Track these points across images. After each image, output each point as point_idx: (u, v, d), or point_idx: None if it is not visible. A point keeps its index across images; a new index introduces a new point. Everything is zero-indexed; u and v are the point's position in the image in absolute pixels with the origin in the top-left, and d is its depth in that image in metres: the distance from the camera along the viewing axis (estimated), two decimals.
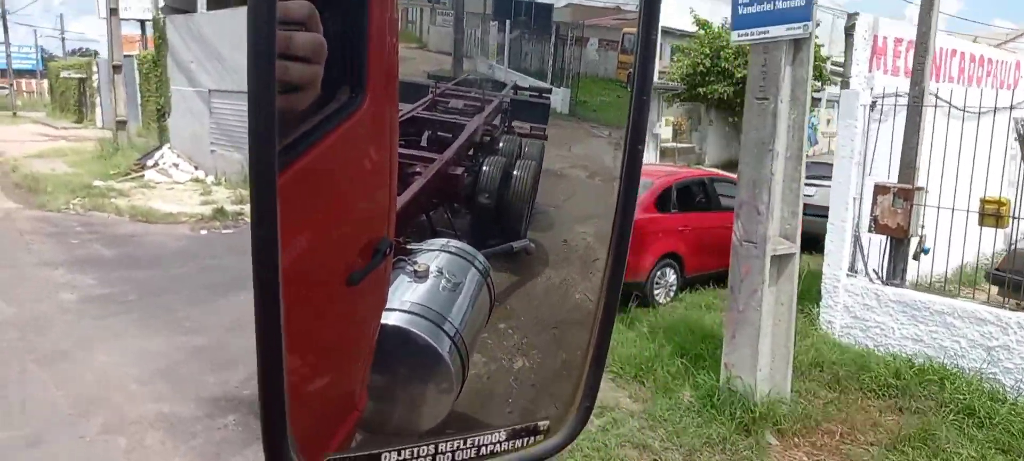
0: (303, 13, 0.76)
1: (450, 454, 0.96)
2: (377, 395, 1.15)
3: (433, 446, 0.95)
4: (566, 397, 1.11)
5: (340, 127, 0.90)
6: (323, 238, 0.91)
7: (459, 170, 1.74)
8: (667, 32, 24.86)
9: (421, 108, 1.70)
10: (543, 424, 1.04)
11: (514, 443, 1.01)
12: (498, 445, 1.00)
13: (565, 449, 1.03)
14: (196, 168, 16.87)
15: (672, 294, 8.58)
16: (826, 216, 11.14)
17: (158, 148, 17.48)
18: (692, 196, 8.94)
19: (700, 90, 23.48)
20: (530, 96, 1.88)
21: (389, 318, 1.22)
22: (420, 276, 1.36)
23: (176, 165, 17.07)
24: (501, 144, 1.91)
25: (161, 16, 17.34)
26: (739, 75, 22.66)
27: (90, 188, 14.53)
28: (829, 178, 11.42)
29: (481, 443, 0.99)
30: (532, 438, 1.03)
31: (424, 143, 1.74)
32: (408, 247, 1.42)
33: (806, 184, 11.50)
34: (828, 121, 31.20)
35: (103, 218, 12.52)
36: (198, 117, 17.20)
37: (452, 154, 1.74)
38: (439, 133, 1.75)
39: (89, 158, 18.55)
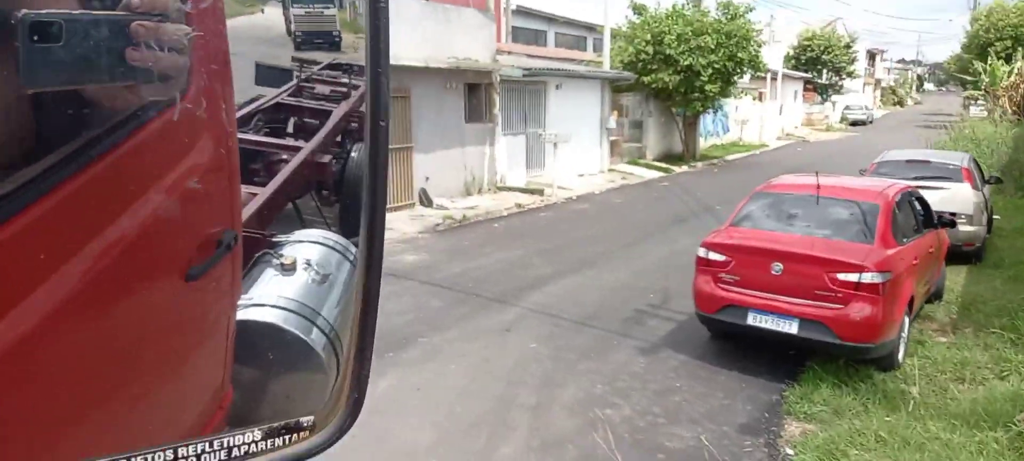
0: (165, 4, 0.76)
1: (196, 458, 0.82)
2: (250, 391, 1.15)
3: (173, 451, 0.80)
4: (333, 389, 1.05)
5: (159, 116, 0.85)
6: (148, 234, 0.86)
7: (327, 158, 1.75)
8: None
9: (286, 94, 1.77)
10: (306, 420, 0.93)
11: (272, 442, 0.89)
12: (253, 446, 0.87)
13: (332, 446, 0.92)
14: None
15: (904, 350, 6.63)
16: (953, 224, 9.72)
17: None
18: (906, 216, 7.03)
19: (643, 79, 22.00)
20: None
21: (259, 314, 1.24)
22: (287, 269, 1.35)
23: None
24: None
25: None
26: (684, 63, 21.47)
27: None
28: (943, 178, 10.09)
29: (232, 444, 0.86)
30: (294, 436, 0.91)
31: (290, 130, 1.81)
32: (273, 239, 1.44)
33: (924, 187, 10.12)
34: (736, 107, 31.15)
35: None
36: None
37: (319, 142, 1.77)
38: (306, 120, 1.83)
39: None
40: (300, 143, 1.79)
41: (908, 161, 10.55)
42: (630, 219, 13.94)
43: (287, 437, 0.91)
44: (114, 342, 0.82)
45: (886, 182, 7.52)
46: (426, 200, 14.38)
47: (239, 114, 1.29)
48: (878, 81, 73.69)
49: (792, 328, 6.10)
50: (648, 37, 21.84)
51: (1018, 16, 38.96)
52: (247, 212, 1.48)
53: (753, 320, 6.28)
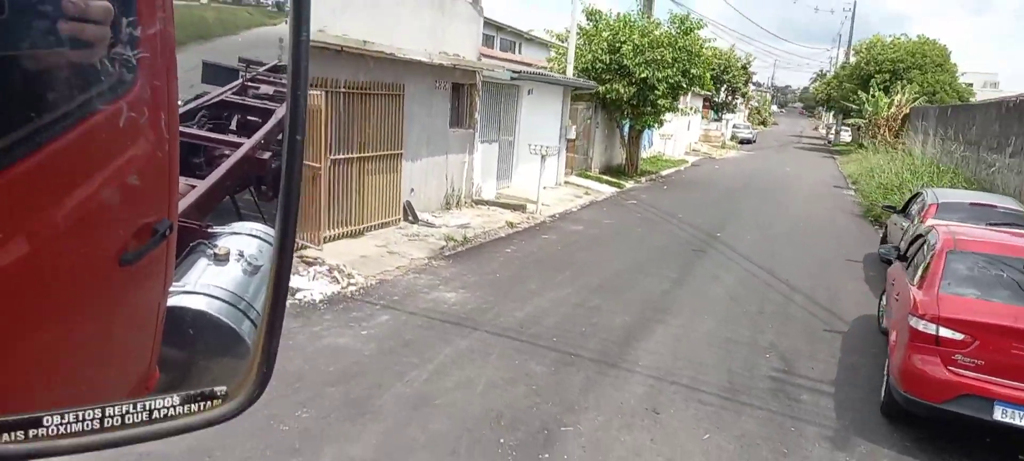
0: None
1: (120, 417, 0.88)
2: (176, 372, 1.18)
3: (100, 409, 0.87)
4: (244, 363, 1.13)
5: (106, 108, 0.90)
6: (88, 219, 0.91)
7: (267, 155, 1.78)
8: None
9: (230, 92, 1.83)
10: (220, 389, 0.98)
11: (189, 407, 0.95)
12: (172, 409, 0.93)
13: (241, 414, 0.97)
14: None
15: None
16: None
17: None
18: None
19: (599, 89, 20.95)
20: None
21: (190, 301, 1.29)
22: (220, 259, 1.41)
23: None
24: None
25: None
26: (640, 75, 20.64)
27: None
28: (1019, 226, 9.60)
29: (153, 407, 0.91)
30: (208, 403, 0.97)
31: (233, 127, 1.86)
32: (209, 230, 1.51)
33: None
34: (661, 123, 30.91)
35: None
36: None
37: (259, 138, 1.80)
38: (249, 118, 1.87)
39: None
40: (241, 139, 1.78)
41: (971, 204, 10.07)
42: (643, 245, 12.74)
43: (202, 403, 0.95)
44: (49, 312, 0.86)
45: None
46: (411, 215, 12.42)
47: (183, 109, 1.34)
48: (748, 101, 77.96)
49: None
50: (604, 45, 20.82)
51: (895, 51, 41.92)
52: (185, 203, 1.47)
53: (1002, 415, 5.19)
